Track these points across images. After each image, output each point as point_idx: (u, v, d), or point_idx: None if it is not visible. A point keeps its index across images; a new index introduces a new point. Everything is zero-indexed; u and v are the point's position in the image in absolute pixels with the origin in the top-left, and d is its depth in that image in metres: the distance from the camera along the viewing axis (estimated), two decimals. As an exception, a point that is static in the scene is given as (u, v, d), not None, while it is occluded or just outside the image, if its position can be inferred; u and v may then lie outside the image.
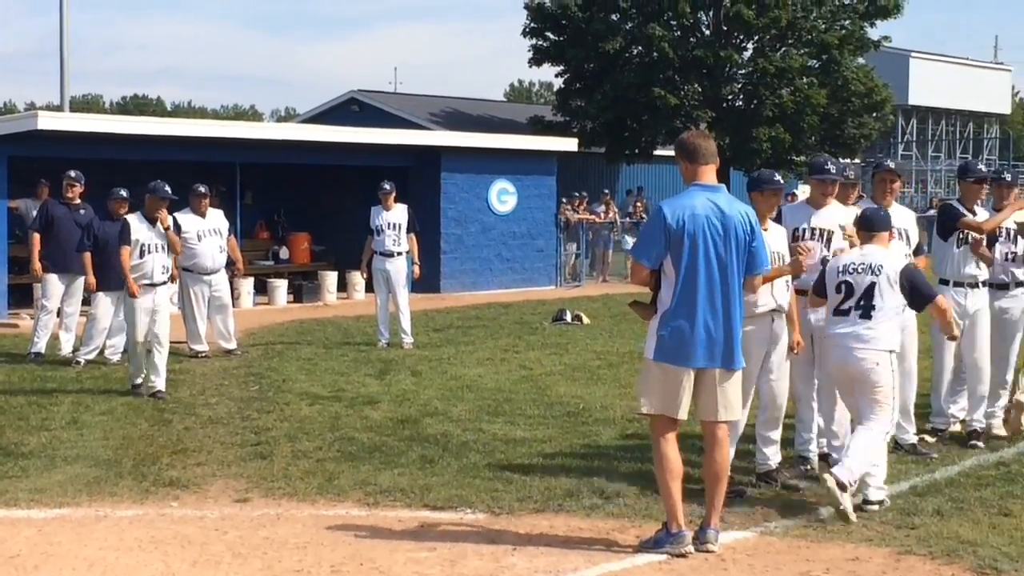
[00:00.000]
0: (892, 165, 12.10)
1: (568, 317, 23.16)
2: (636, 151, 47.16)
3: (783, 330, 10.13)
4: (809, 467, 10.66)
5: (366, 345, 19.40)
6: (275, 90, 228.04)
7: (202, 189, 18.48)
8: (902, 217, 11.50)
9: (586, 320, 23.07)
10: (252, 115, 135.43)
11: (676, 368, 8.33)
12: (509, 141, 32.57)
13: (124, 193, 17.36)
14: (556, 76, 49.22)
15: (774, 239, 9.89)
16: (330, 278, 27.91)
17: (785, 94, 45.75)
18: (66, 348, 17.81)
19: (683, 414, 8.44)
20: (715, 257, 8.29)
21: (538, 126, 47.12)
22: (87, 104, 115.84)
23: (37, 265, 17.93)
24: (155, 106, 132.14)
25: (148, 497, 9.97)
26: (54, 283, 17.93)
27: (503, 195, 30.63)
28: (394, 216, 19.43)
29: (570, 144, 33.40)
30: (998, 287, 12.35)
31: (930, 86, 69.49)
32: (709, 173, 8.52)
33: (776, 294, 9.94)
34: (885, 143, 66.75)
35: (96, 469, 10.84)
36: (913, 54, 70.14)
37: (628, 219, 37.58)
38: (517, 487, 10.13)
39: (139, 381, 14.77)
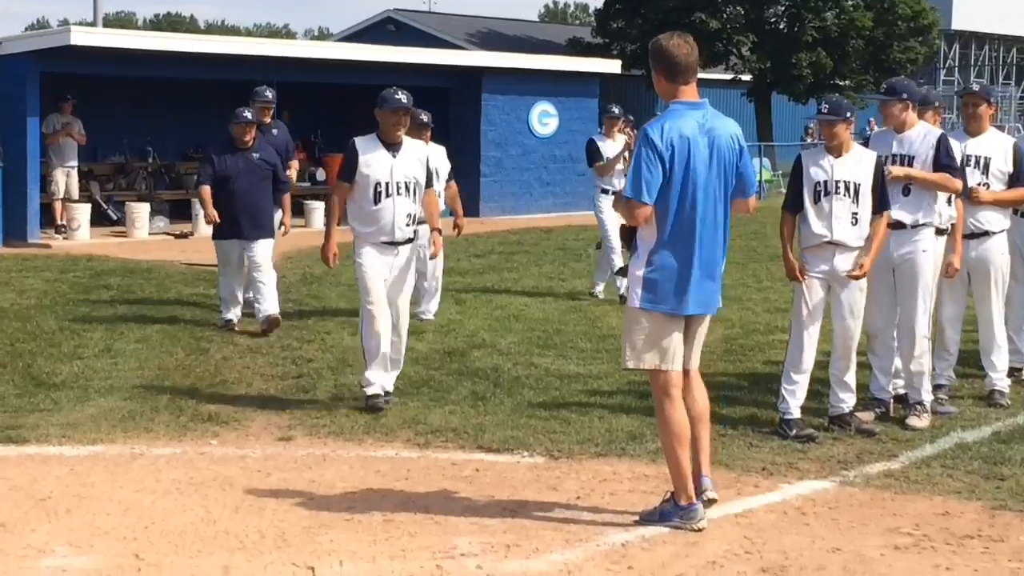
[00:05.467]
0: (976, 88, 11.26)
1: (613, 244, 22.47)
2: (676, 74, 46.10)
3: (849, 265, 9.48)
4: (883, 410, 10.09)
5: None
6: (308, 9, 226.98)
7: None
8: (985, 145, 10.73)
9: (631, 247, 22.35)
10: (285, 34, 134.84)
11: (670, 316, 7.41)
12: (552, 62, 31.86)
13: (249, 115, 14.04)
14: (596, -4, 48.34)
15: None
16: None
17: (830, 17, 44.76)
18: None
19: (680, 364, 7.50)
20: (706, 185, 7.30)
21: (577, 47, 46.26)
22: (119, 21, 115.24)
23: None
24: (188, 24, 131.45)
25: (186, 434, 9.44)
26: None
27: (544, 117, 29.97)
28: (619, 147, 16.63)
29: (613, 66, 32.65)
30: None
31: (974, 10, 68.07)
32: (691, 92, 7.42)
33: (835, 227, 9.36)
34: (928, 68, 65.53)
35: (131, 402, 10.31)
36: (957, -23, 68.78)
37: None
38: (576, 428, 9.57)
39: (376, 391, 10.20)
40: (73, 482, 8.16)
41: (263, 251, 13.78)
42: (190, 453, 8.95)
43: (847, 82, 46.05)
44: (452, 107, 28.11)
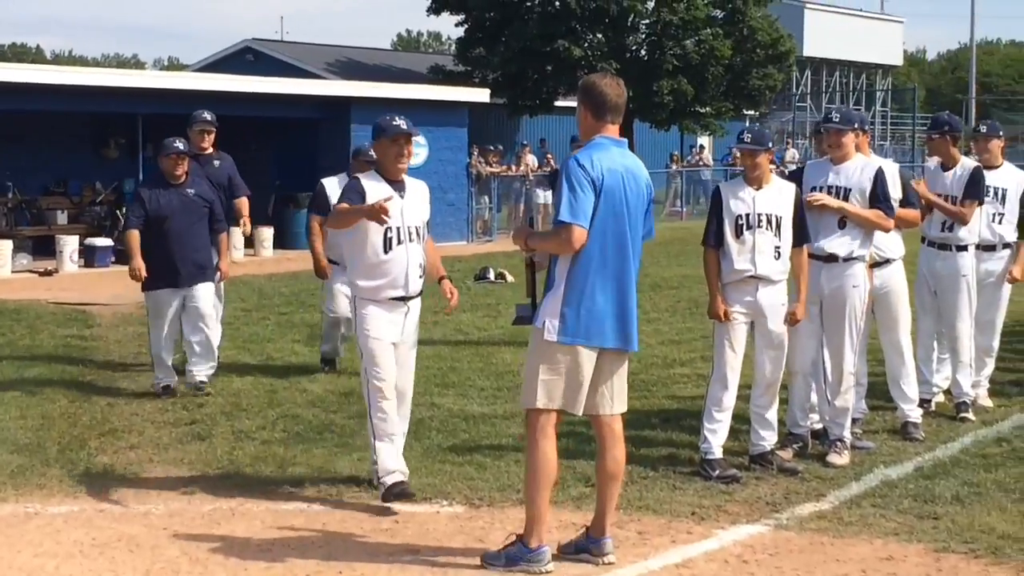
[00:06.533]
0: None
1: (491, 275, 22.21)
2: (537, 102, 46.13)
3: (773, 299, 9.25)
4: (801, 444, 9.87)
5: (285, 307, 18.37)
6: (156, 40, 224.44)
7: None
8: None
9: (510, 278, 22.04)
10: (135, 64, 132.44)
11: (586, 350, 7.16)
12: (420, 91, 31.57)
13: (180, 145, 12.50)
14: (456, 26, 48.02)
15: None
16: (236, 234, 26.65)
17: (689, 45, 44.98)
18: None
19: (580, 408, 7.28)
20: (626, 219, 7.20)
21: (439, 75, 45.97)
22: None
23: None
24: (35, 55, 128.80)
25: (82, 489, 8.90)
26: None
27: (414, 147, 29.44)
28: None
29: (482, 95, 32.45)
30: (984, 248, 11.56)
31: (824, 38, 69.27)
32: (614, 132, 7.32)
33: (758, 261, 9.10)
34: (783, 95, 66.40)
35: (18, 456, 9.73)
36: (808, 5, 69.78)
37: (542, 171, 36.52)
38: (493, 474, 9.20)
39: (397, 478, 8.57)
40: (-34, 547, 7.62)
41: (205, 297, 12.24)
42: (89, 511, 8.42)
43: (708, 108, 46.34)
44: (322, 137, 27.64)
